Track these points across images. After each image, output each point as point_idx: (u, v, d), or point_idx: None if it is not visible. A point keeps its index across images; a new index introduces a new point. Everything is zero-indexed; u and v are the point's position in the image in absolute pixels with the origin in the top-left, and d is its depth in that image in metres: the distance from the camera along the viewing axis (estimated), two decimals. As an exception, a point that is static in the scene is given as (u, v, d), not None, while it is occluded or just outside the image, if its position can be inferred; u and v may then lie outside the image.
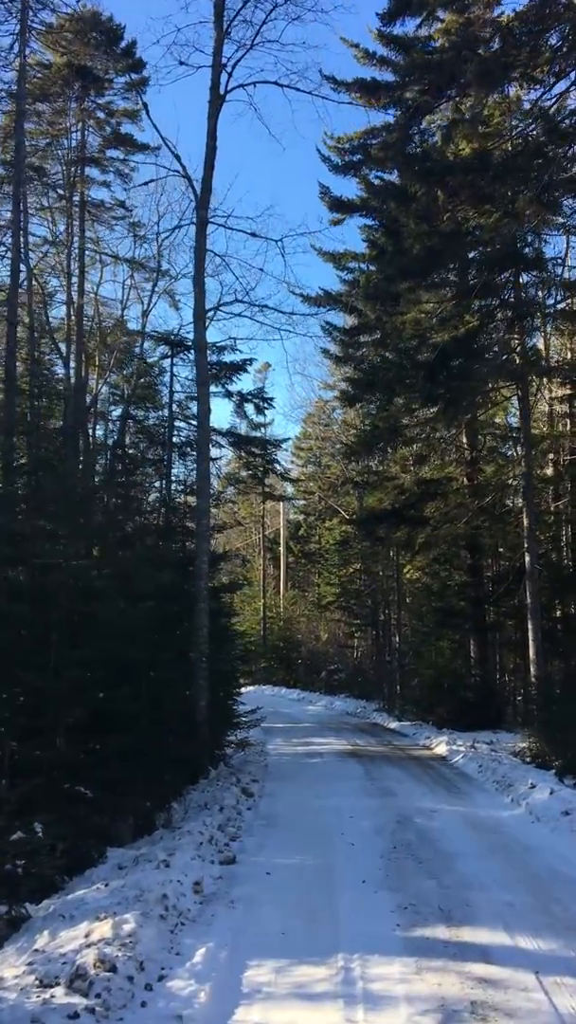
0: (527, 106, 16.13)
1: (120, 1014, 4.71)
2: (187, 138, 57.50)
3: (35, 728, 8.50)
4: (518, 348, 17.37)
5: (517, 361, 17.07)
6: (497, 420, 25.49)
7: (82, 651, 8.83)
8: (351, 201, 21.94)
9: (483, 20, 17.14)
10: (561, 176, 14.21)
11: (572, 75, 15.91)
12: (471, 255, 16.54)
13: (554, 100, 15.82)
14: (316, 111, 40.95)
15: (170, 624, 12.75)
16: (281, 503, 46.05)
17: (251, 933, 5.99)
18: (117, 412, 27.77)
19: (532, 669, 16.99)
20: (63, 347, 24.79)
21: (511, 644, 25.30)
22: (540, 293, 16.99)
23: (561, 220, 16.70)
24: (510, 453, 24.67)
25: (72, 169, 24.25)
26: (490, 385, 17.65)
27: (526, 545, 17.53)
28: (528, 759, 14.15)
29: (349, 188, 60.06)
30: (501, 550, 24.60)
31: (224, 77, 13.72)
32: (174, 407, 24.15)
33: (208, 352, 19.97)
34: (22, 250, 20.08)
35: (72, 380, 23.61)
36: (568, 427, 23.88)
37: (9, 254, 17.06)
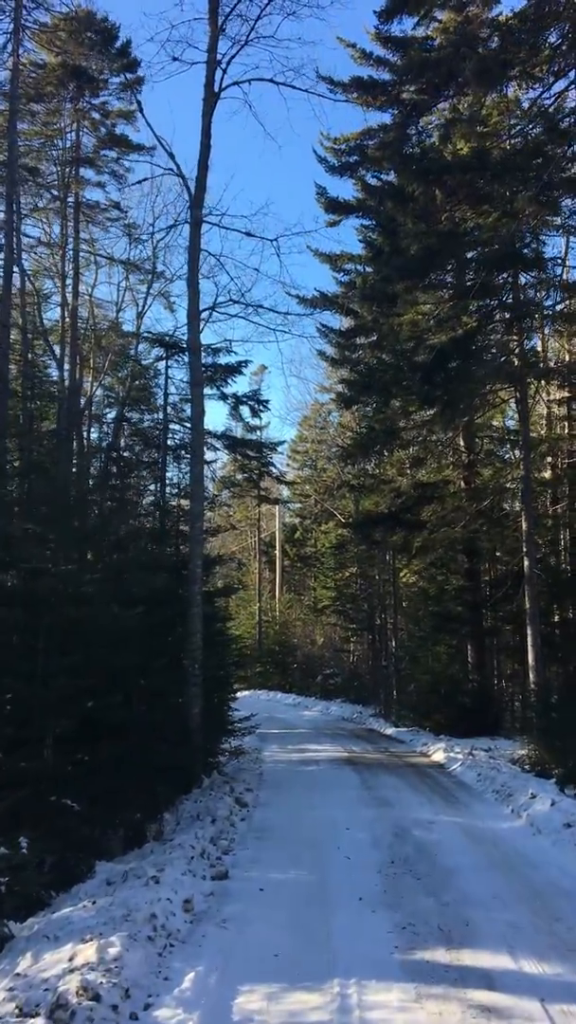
0: (526, 105, 15.90)
1: (103, 1047, 4.47)
2: (182, 138, 57.60)
3: (21, 738, 8.25)
4: (516, 350, 17.16)
5: (515, 363, 16.86)
6: (495, 423, 25.32)
7: (71, 658, 8.58)
8: (347, 202, 21.78)
9: (481, 20, 17.01)
10: (560, 176, 14.00)
11: (572, 74, 15.75)
12: (469, 255, 16.32)
13: (553, 99, 15.65)
14: (312, 109, 40.85)
15: (163, 629, 12.50)
16: (277, 506, 45.84)
17: (243, 955, 5.74)
18: (112, 415, 27.56)
19: (531, 675, 16.76)
20: (57, 349, 24.56)
21: (509, 649, 25.09)
22: (539, 294, 16.76)
23: (560, 221, 16.50)
24: (508, 456, 24.48)
25: (66, 170, 24.04)
26: (488, 387, 17.43)
27: (525, 549, 17.31)
28: (527, 767, 13.91)
29: (346, 189, 59.84)
30: (498, 554, 24.39)
31: (219, 74, 13.51)
32: (169, 410, 23.92)
33: (203, 354, 19.74)
34: (15, 251, 19.86)
35: (66, 382, 23.36)
36: (566, 430, 23.71)
37: (2, 255, 16.79)
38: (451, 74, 15.64)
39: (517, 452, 23.15)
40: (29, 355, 23.19)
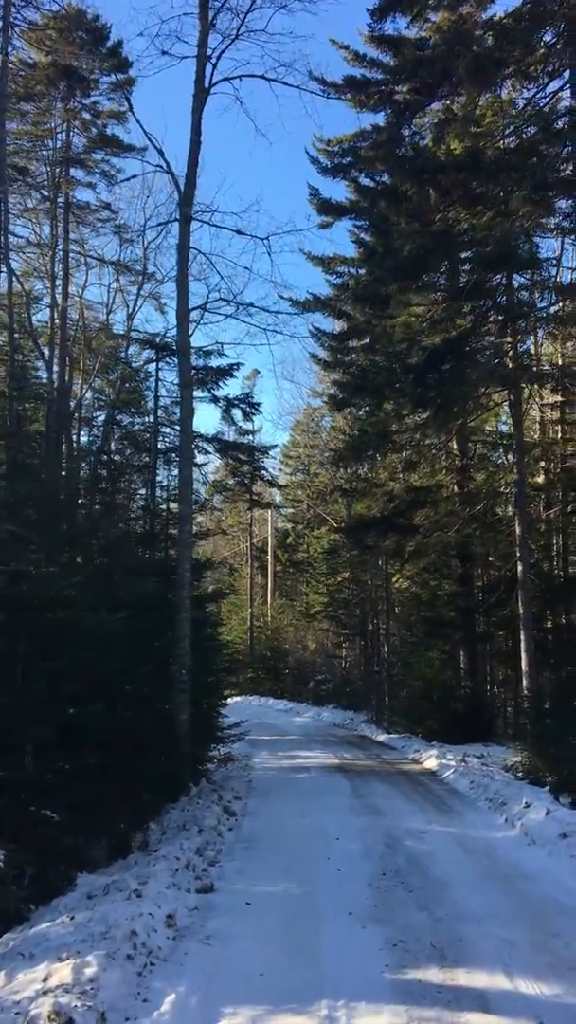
0: (521, 104, 15.75)
1: (75, 1077, 4.21)
2: (172, 136, 57.35)
3: (0, 746, 7.98)
4: (510, 352, 16.98)
5: (509, 365, 16.68)
6: (488, 427, 25.14)
7: (53, 663, 8.32)
8: (340, 204, 21.57)
9: (475, 19, 16.87)
10: (555, 175, 13.83)
11: (566, 74, 15.62)
12: (463, 256, 16.13)
13: (548, 99, 15.51)
14: (304, 106, 40.54)
15: (150, 635, 12.26)
16: (269, 512, 45.63)
17: (227, 974, 5.49)
18: (101, 418, 27.29)
19: (524, 681, 16.53)
20: (46, 351, 24.29)
21: (501, 655, 24.88)
22: (533, 295, 16.58)
23: (555, 222, 16.33)
24: (501, 461, 24.31)
25: (57, 170, 23.80)
26: (482, 391, 17.24)
27: (518, 554, 17.09)
28: (521, 774, 13.68)
29: (339, 191, 59.80)
30: (491, 559, 24.19)
31: (209, 69, 13.32)
32: (159, 412, 23.66)
33: (194, 356, 19.49)
34: (4, 251, 19.63)
35: (55, 384, 23.09)
36: (559, 435, 23.53)
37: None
38: (445, 73, 15.47)
39: (510, 457, 22.98)
40: (17, 356, 22.92)
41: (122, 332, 26.95)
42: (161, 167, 13.68)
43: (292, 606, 45.20)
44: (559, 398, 22.70)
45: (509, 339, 16.97)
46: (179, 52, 13.36)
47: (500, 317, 16.24)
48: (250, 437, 34.96)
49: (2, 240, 19.30)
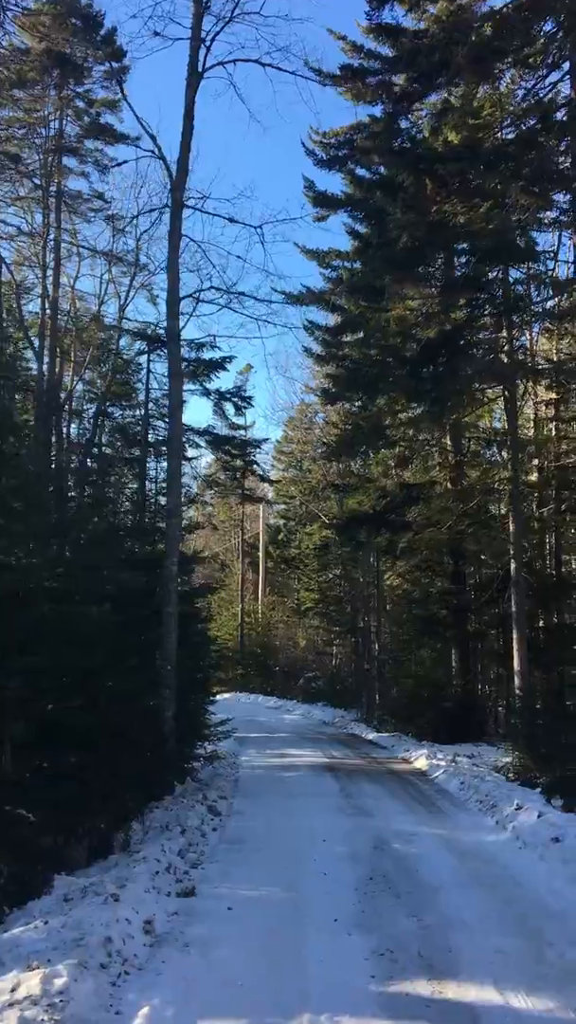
0: (521, 95, 15.52)
1: None
2: (165, 126, 56.45)
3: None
4: (505, 347, 16.76)
5: (505, 360, 16.46)
6: (482, 424, 24.93)
7: (32, 658, 8.04)
8: (336, 197, 21.28)
9: (474, 10, 16.61)
10: (554, 166, 13.61)
11: (566, 65, 15.40)
12: (459, 247, 15.89)
13: (548, 89, 15.29)
14: (299, 93, 40.09)
15: (135, 629, 11.98)
16: (261, 507, 45.39)
17: (205, 984, 5.24)
18: (92, 410, 26.97)
19: (517, 680, 16.33)
20: (36, 342, 23.95)
21: (493, 654, 24.71)
22: (529, 288, 16.36)
23: (552, 216, 16.12)
24: (494, 457, 24.12)
25: (49, 158, 23.46)
26: (476, 386, 17.02)
27: (512, 552, 16.89)
28: (512, 776, 13.47)
29: (334, 184, 59.35)
30: (483, 557, 23.99)
31: (203, 53, 13.02)
32: (150, 405, 23.43)
33: (186, 348, 19.22)
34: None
35: (45, 376, 22.78)
36: (554, 432, 23.33)
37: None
38: (443, 63, 15.22)
39: (504, 453, 22.78)
40: (8, 347, 22.62)
41: (114, 323, 26.63)
42: (153, 152, 13.38)
43: (283, 602, 44.99)
44: (554, 395, 22.52)
45: (505, 334, 16.76)
46: (172, 34, 13.06)
47: (496, 310, 16.01)
48: (242, 432, 34.76)
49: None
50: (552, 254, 15.88)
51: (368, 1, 16.46)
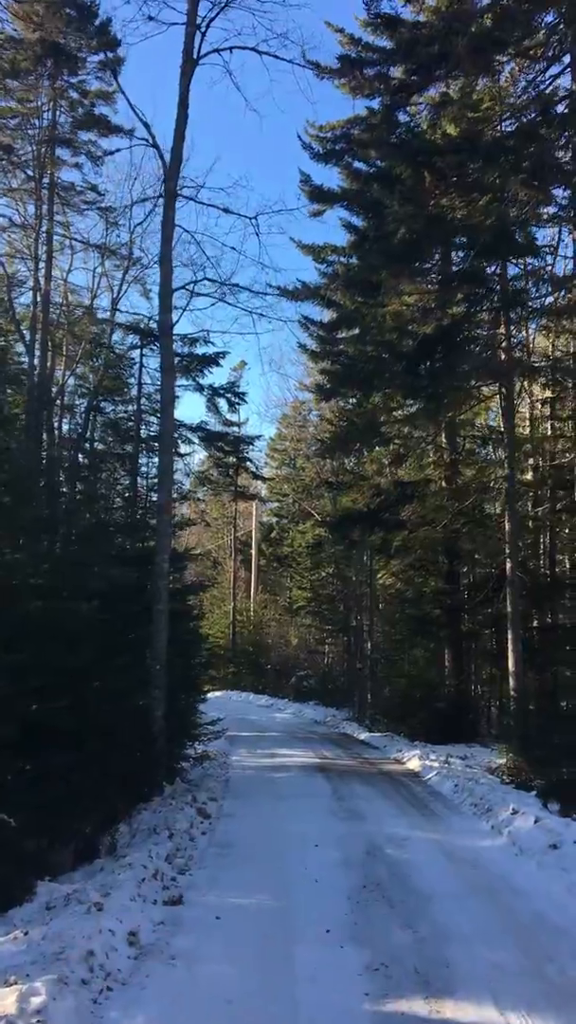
0: (521, 87, 15.30)
1: None
2: (159, 116, 56.30)
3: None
4: (503, 344, 16.54)
5: (502, 357, 16.24)
6: (477, 421, 24.74)
7: (16, 656, 7.78)
8: (332, 192, 21.03)
9: (474, 1, 16.37)
10: (554, 159, 13.39)
11: (566, 59, 15.17)
12: (457, 241, 15.65)
13: (548, 82, 15.08)
14: (297, 82, 39.74)
15: (125, 626, 11.73)
16: (254, 505, 45.17)
17: (191, 1001, 4.99)
18: (84, 405, 26.67)
19: (511, 681, 16.14)
20: (28, 335, 23.63)
21: (486, 654, 24.53)
22: (526, 283, 16.13)
23: (551, 211, 15.90)
24: (490, 456, 23.94)
25: (42, 149, 23.14)
26: (473, 383, 16.79)
27: (508, 551, 16.69)
28: (506, 778, 13.28)
29: (331, 178, 59.24)
30: (477, 556, 23.81)
31: (198, 39, 12.71)
32: (143, 400, 23.15)
33: (179, 343, 18.99)
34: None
35: (36, 370, 22.47)
36: (549, 430, 23.16)
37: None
38: (443, 55, 14.99)
39: (500, 452, 22.59)
40: (1, 341, 22.33)
41: (106, 317, 26.32)
42: (147, 140, 13.10)
43: (275, 601, 44.79)
44: (549, 393, 22.35)
45: (502, 330, 16.55)
46: (167, 19, 12.75)
47: (494, 304, 15.79)
48: (235, 429, 34.54)
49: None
50: (552, 248, 15.61)
51: (367, -9, 16.25)
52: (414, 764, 15.65)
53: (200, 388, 22.20)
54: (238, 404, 24.79)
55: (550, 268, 16.16)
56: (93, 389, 25.42)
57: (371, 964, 5.49)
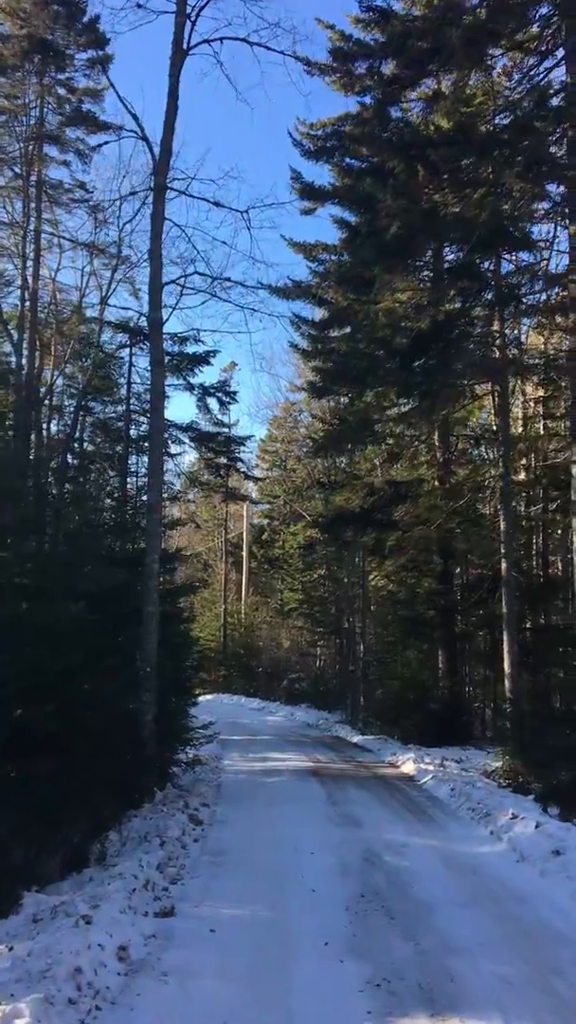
0: (515, 79, 15.12)
1: None
2: (148, 110, 55.78)
3: None
4: (497, 341, 16.36)
5: (496, 354, 16.05)
6: (471, 421, 24.58)
7: (0, 657, 7.52)
8: (323, 189, 20.80)
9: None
10: (548, 152, 13.21)
11: (559, 52, 15.01)
12: (451, 236, 15.45)
13: (543, 75, 14.89)
14: (288, 74, 39.58)
15: (114, 629, 11.45)
16: (245, 506, 44.90)
17: (183, 1020, 4.74)
18: (73, 405, 26.35)
19: (507, 683, 15.93)
20: (15, 335, 23.32)
21: (480, 655, 24.35)
22: (521, 279, 15.94)
23: (545, 207, 15.73)
24: (483, 456, 23.79)
25: (30, 146, 22.86)
26: (467, 381, 16.60)
27: (503, 551, 16.49)
28: (503, 782, 13.07)
29: (322, 176, 58.91)
30: (471, 557, 23.62)
31: (188, 28, 12.49)
32: (132, 401, 22.91)
33: (169, 342, 18.71)
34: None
35: (24, 370, 22.17)
36: (542, 430, 23.01)
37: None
38: (435, 49, 14.80)
39: (493, 452, 22.45)
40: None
41: (95, 316, 26.02)
42: (136, 133, 12.85)
43: (267, 603, 44.52)
44: (542, 392, 22.21)
45: (496, 327, 16.36)
46: (156, 7, 12.51)
47: (488, 298, 15.60)
48: (226, 430, 34.26)
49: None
50: (547, 243, 15.44)
51: (358, -17, 16.03)
52: (409, 767, 15.43)
53: (191, 387, 21.96)
54: (229, 403, 24.56)
55: (544, 264, 15.97)
56: (82, 389, 25.11)
57: (372, 979, 5.25)
